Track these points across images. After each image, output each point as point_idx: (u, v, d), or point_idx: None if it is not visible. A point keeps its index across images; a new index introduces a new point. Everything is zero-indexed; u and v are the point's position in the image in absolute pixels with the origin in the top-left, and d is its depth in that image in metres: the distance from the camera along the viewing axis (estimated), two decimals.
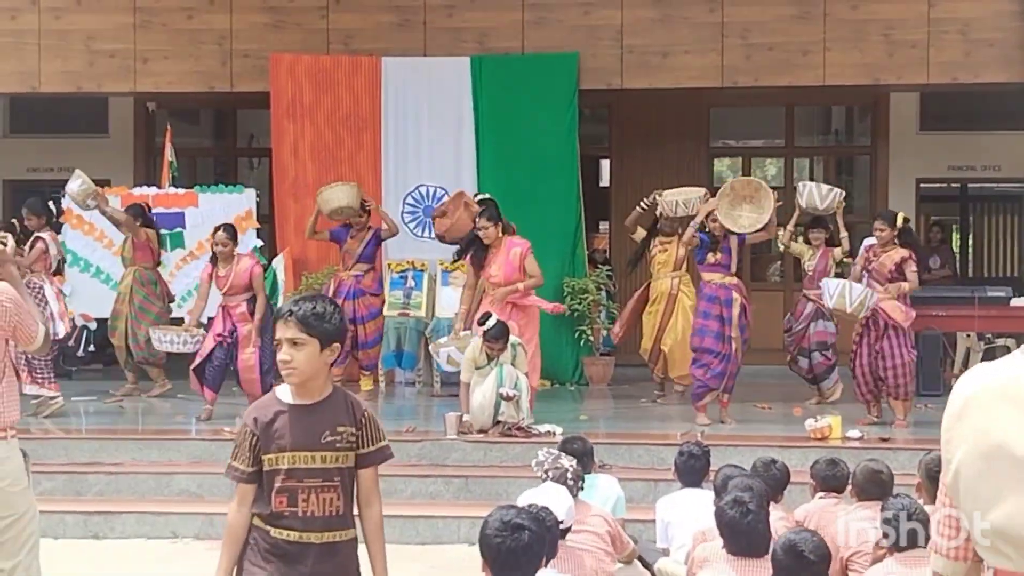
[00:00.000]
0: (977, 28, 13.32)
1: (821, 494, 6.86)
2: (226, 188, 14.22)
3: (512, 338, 9.82)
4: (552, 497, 5.65)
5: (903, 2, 13.41)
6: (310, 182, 13.80)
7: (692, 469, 7.15)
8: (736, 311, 10.42)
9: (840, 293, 10.01)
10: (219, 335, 10.88)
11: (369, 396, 12.54)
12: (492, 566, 4.24)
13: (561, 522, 5.45)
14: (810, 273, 11.99)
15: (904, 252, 10.38)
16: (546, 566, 5.29)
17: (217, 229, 11.28)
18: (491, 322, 9.72)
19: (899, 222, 10.48)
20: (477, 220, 10.53)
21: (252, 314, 10.95)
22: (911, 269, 10.35)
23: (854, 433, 9.77)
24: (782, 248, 12.41)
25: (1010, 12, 13.34)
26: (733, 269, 10.65)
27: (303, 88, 13.92)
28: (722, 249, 10.60)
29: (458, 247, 11.08)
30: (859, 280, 10.48)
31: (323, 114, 13.94)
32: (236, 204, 13.95)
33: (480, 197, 11.53)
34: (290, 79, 13.92)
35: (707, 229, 10.63)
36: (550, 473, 6.48)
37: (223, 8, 14.10)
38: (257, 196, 14.29)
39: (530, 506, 5.30)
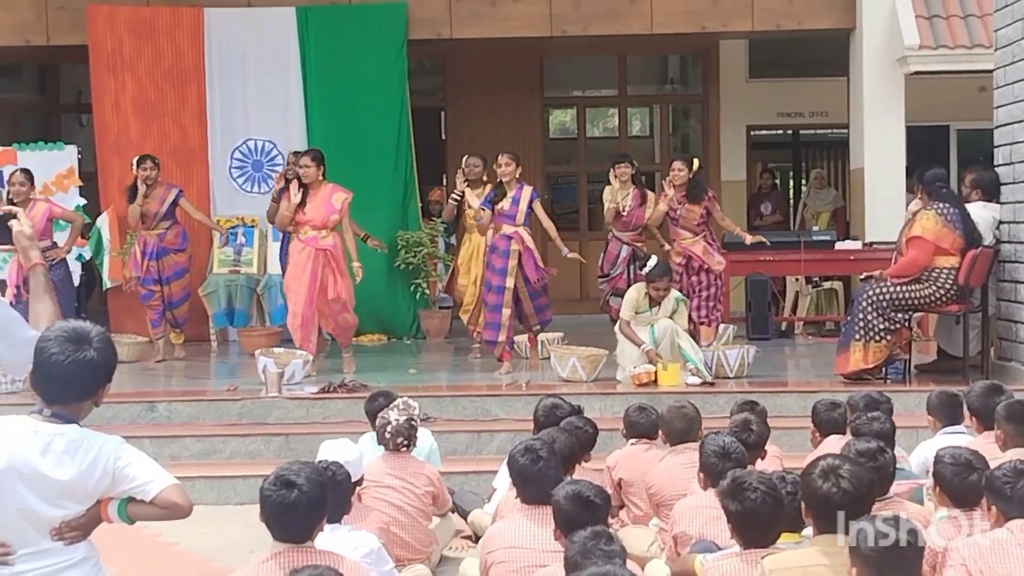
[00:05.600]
0: None
1: (632, 440, 6.89)
2: (46, 145, 13.73)
3: (676, 292, 10.12)
4: (339, 451, 5.60)
5: None
6: (133, 138, 13.40)
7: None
8: (513, 262, 10.60)
9: (718, 363, 10.11)
10: (16, 288, 10.51)
11: (180, 350, 12.28)
12: (265, 520, 4.18)
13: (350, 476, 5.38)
14: (625, 215, 11.86)
15: (703, 206, 11.33)
16: (340, 521, 5.24)
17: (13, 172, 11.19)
18: (652, 262, 10.01)
19: (694, 166, 11.38)
20: (300, 157, 10.74)
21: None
22: (718, 210, 11.57)
23: (694, 380, 9.73)
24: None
25: None
26: (519, 220, 10.71)
27: (123, 40, 13.48)
28: (512, 200, 10.71)
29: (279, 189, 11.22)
30: (660, 220, 11.38)
31: (144, 67, 13.51)
32: (57, 161, 13.46)
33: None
34: (109, 31, 13.46)
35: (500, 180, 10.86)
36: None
37: None
38: (80, 153, 13.83)
39: (320, 462, 5.24)
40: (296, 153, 11.82)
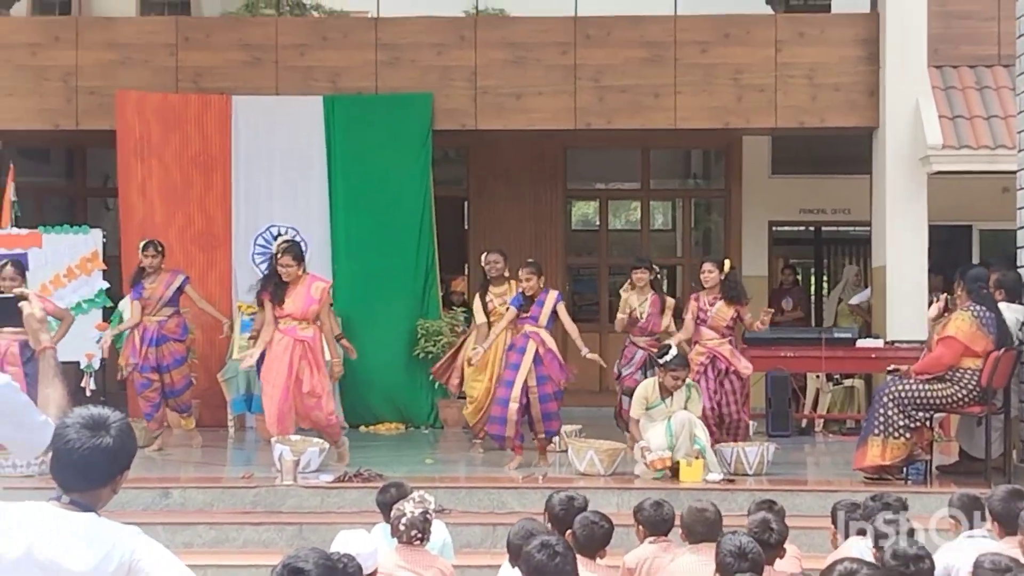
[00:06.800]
0: (823, 73, 13.58)
1: (651, 539, 6.77)
2: (71, 228, 13.81)
3: (689, 380, 9.99)
4: (355, 543, 5.54)
5: (751, 47, 13.64)
6: (158, 222, 13.51)
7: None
8: (527, 359, 10.42)
9: (736, 459, 10.05)
10: None
11: (191, 436, 12.07)
12: None
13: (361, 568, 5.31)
14: (642, 322, 11.55)
15: (736, 308, 10.90)
16: None
17: (3, 265, 10.82)
18: (672, 352, 9.86)
19: (726, 267, 10.98)
20: (280, 258, 10.41)
21: (21, 356, 10.35)
22: (747, 320, 11.08)
23: (713, 477, 9.66)
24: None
25: (855, 57, 13.63)
26: (542, 322, 10.57)
27: (151, 126, 13.66)
28: (536, 302, 10.61)
29: (260, 283, 10.84)
30: (691, 332, 10.90)
31: (172, 153, 13.69)
32: (82, 245, 13.53)
33: (283, 239, 11.85)
34: (137, 117, 13.65)
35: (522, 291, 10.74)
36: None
37: (69, 44, 13.83)
38: (104, 237, 13.91)
39: (333, 553, 5.19)
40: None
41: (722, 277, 10.94)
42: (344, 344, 11.11)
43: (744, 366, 10.90)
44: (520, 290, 10.80)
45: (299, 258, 10.41)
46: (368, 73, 13.84)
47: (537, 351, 10.48)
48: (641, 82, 13.67)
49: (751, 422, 11.87)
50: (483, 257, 11.77)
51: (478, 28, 14.03)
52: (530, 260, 11.03)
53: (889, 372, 9.85)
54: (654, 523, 6.74)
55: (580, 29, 13.81)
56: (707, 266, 11.07)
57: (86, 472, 3.60)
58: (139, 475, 9.74)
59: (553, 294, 10.77)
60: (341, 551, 5.38)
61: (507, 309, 10.85)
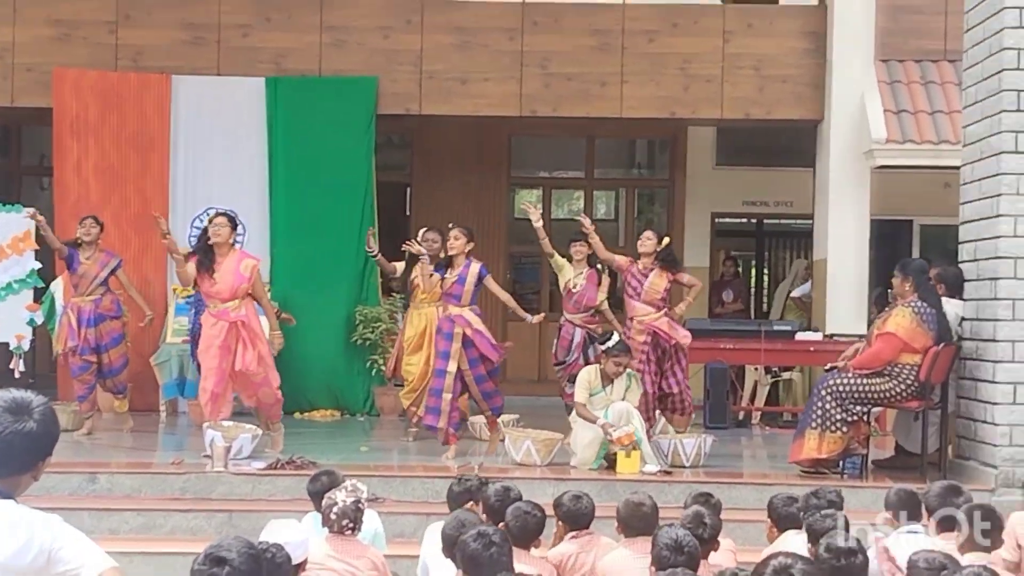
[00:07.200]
0: (770, 65, 13.56)
1: (572, 534, 6.61)
2: (4, 207, 13.52)
3: (630, 369, 9.96)
4: (285, 532, 5.41)
5: (699, 37, 13.60)
6: (93, 203, 13.23)
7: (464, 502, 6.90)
8: (456, 344, 10.17)
9: (674, 451, 10.02)
10: None
11: (122, 421, 11.87)
12: None
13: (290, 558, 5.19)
14: (576, 295, 11.45)
15: (668, 276, 10.84)
16: None
17: None
18: (615, 338, 9.85)
19: (664, 242, 10.93)
20: (212, 218, 10.23)
21: None
22: (685, 281, 11.04)
23: (650, 468, 9.57)
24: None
25: (803, 50, 13.61)
26: (465, 300, 10.29)
27: (88, 105, 13.41)
28: (457, 279, 10.30)
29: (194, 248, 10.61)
30: (608, 258, 11.12)
31: (109, 132, 13.44)
32: (14, 224, 13.24)
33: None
34: (74, 95, 13.39)
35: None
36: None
37: (6, 20, 13.54)
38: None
39: (261, 543, 5.07)
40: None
41: (658, 248, 10.86)
42: (283, 317, 10.92)
43: (683, 335, 10.86)
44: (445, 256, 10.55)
45: (232, 223, 10.19)
46: (312, 55, 13.66)
47: (464, 334, 10.21)
48: (588, 70, 13.59)
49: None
50: (421, 233, 11.48)
51: (425, 12, 13.84)
52: (464, 225, 10.75)
53: (827, 370, 9.81)
54: (574, 517, 6.59)
55: (528, 15, 13.70)
56: (647, 233, 11.02)
57: (6, 458, 3.47)
58: (67, 459, 9.58)
59: (475, 267, 10.32)
60: (270, 540, 5.25)
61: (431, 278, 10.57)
